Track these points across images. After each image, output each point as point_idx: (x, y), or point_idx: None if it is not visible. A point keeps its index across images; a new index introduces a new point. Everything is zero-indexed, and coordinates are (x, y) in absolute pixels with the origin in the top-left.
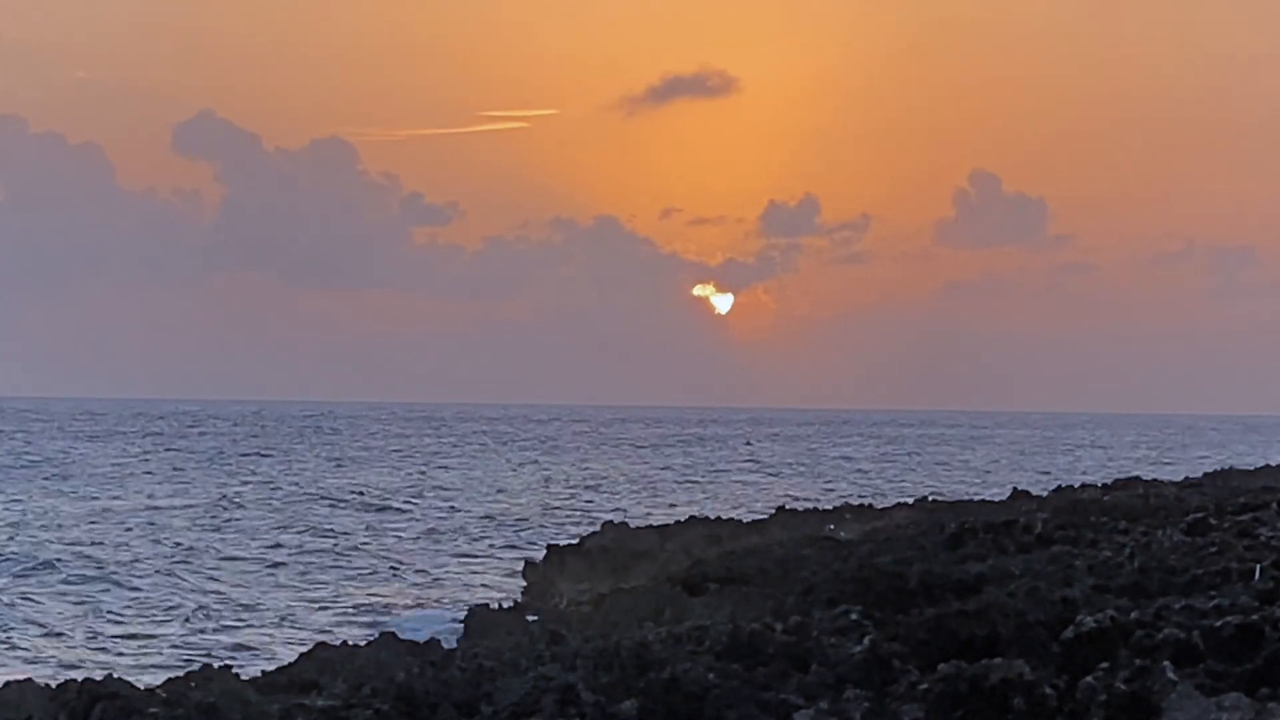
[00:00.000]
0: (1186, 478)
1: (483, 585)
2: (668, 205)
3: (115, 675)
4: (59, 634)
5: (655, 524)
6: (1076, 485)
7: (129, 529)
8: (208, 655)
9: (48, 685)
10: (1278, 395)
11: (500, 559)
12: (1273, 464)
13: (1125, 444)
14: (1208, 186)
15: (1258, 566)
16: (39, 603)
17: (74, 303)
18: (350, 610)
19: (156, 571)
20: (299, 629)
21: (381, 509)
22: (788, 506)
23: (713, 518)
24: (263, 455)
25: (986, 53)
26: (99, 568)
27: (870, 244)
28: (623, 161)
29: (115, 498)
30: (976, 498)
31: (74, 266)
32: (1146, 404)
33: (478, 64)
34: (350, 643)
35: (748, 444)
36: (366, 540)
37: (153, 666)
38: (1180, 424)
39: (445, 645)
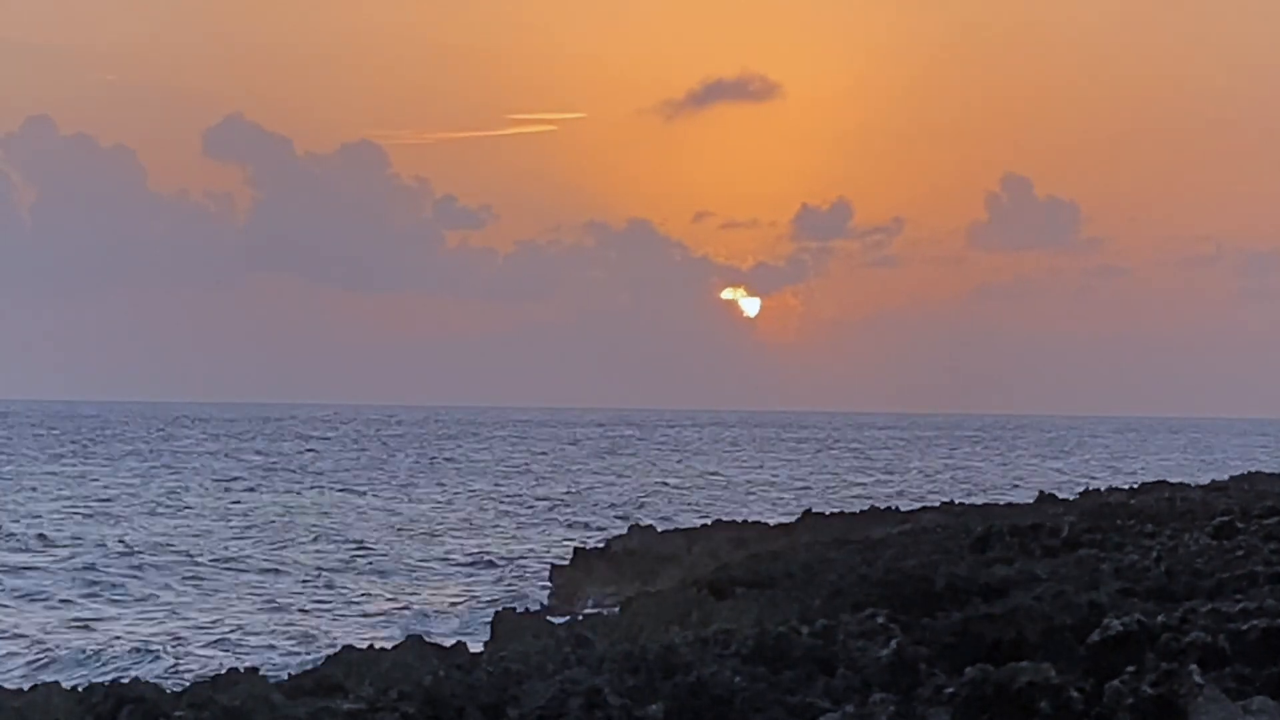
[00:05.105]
0: (1213, 481)
1: (509, 588)
2: (700, 209)
3: (141, 678)
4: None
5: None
6: (1103, 489)
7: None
8: (233, 657)
9: (75, 688)
10: None
11: (526, 559)
12: None
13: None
14: (1239, 190)
15: None
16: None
17: (105, 305)
18: (377, 613)
19: (194, 574)
20: (324, 631)
21: (412, 516)
22: (814, 510)
23: (739, 521)
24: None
25: (1018, 58)
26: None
27: (902, 247)
28: (656, 165)
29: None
30: (1003, 501)
31: (105, 268)
32: (1178, 407)
33: (505, 67)
34: (376, 645)
35: None
36: (392, 542)
37: (178, 669)
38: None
39: (471, 648)
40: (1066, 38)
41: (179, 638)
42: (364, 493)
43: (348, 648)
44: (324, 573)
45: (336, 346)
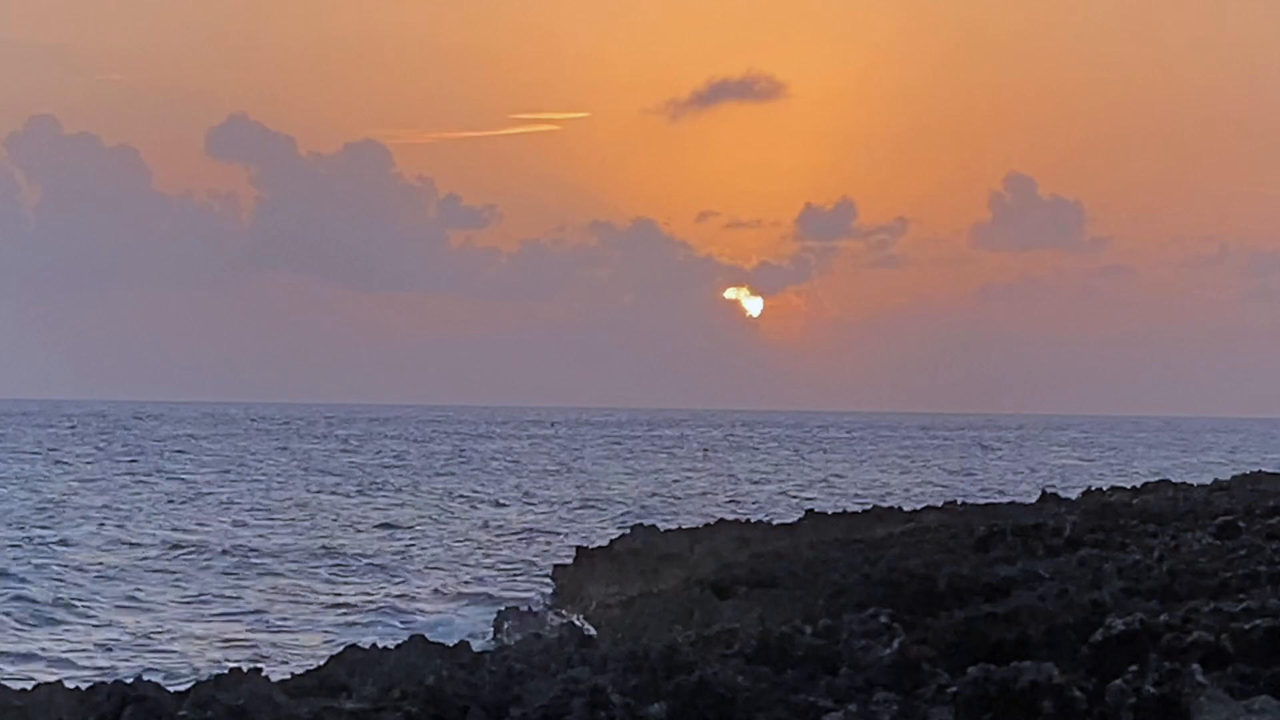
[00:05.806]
0: (1216, 480)
1: (512, 588)
2: (705, 208)
3: (145, 677)
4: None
5: (685, 526)
6: (1106, 488)
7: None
8: (236, 657)
9: (78, 687)
10: None
11: (533, 561)
12: None
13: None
14: (1245, 189)
15: None
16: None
17: (109, 305)
18: (379, 612)
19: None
20: (328, 631)
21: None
22: (816, 509)
23: (742, 520)
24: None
25: (1022, 58)
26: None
27: (906, 247)
28: (660, 165)
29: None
30: (1005, 500)
31: (109, 268)
32: (1182, 407)
33: (509, 67)
34: (380, 645)
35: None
36: (398, 542)
37: (182, 669)
38: (1217, 427)
39: (475, 648)
40: (1070, 38)
41: (180, 636)
42: (366, 492)
43: (351, 647)
44: (326, 573)
45: (340, 346)
